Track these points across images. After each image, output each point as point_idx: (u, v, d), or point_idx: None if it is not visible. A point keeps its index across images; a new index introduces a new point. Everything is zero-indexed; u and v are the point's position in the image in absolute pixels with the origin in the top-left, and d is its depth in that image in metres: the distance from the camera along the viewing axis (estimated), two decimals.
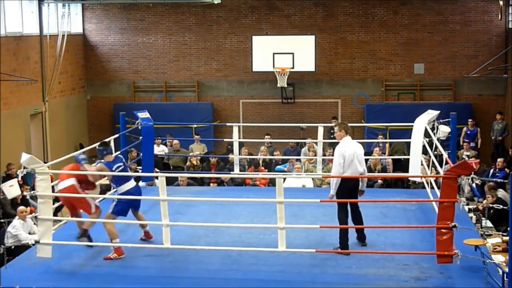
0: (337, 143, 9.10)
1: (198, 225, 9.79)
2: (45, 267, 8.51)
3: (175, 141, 17.36)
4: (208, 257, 8.77)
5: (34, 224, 10.19)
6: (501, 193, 12.11)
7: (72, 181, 8.94)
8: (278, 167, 15.04)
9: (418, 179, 12.80)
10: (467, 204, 11.39)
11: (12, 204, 12.38)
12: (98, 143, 9.42)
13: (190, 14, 21.44)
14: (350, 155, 8.86)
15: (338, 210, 8.99)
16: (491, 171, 14.85)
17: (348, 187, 8.92)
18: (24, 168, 8.55)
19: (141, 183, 13.72)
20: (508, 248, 7.86)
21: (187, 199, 11.21)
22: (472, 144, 17.75)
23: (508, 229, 7.90)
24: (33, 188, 10.14)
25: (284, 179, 12.39)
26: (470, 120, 19.05)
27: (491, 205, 10.66)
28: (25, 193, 9.71)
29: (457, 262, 7.92)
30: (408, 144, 12.35)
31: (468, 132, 18.80)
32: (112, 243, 8.80)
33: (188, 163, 16.18)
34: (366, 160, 14.65)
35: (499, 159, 15.15)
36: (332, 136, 18.30)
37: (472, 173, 8.41)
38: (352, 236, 8.98)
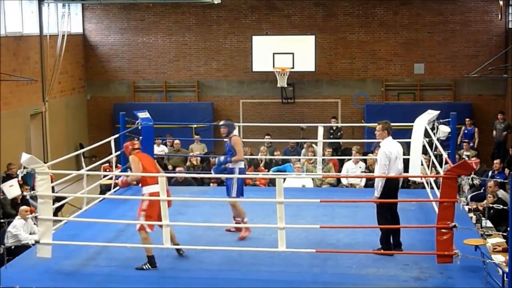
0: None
1: (198, 225, 9.79)
2: (45, 267, 8.50)
3: (176, 141, 17.34)
4: (208, 257, 8.78)
5: (34, 224, 10.18)
6: (501, 193, 12.09)
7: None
8: (277, 167, 14.99)
9: (418, 179, 12.79)
10: (467, 204, 11.38)
11: (12, 204, 12.36)
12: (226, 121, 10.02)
13: (190, 14, 21.44)
14: (394, 155, 8.74)
15: (379, 212, 8.81)
16: (490, 173, 14.67)
17: (394, 188, 8.81)
18: (24, 168, 8.56)
19: None
20: (508, 248, 7.86)
21: (187, 199, 11.22)
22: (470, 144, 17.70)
23: (508, 229, 7.89)
24: (33, 188, 10.14)
25: (284, 179, 12.39)
26: (467, 119, 19.01)
27: (491, 205, 10.65)
28: (25, 193, 9.71)
29: (457, 262, 7.93)
30: (408, 144, 12.34)
31: (466, 131, 18.77)
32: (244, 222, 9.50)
33: (188, 163, 16.19)
34: (366, 160, 14.80)
35: (495, 161, 14.92)
36: (331, 136, 18.32)
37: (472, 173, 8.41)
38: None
